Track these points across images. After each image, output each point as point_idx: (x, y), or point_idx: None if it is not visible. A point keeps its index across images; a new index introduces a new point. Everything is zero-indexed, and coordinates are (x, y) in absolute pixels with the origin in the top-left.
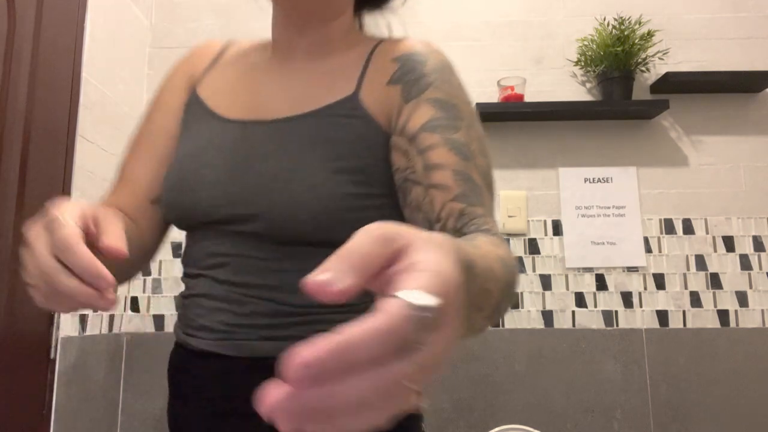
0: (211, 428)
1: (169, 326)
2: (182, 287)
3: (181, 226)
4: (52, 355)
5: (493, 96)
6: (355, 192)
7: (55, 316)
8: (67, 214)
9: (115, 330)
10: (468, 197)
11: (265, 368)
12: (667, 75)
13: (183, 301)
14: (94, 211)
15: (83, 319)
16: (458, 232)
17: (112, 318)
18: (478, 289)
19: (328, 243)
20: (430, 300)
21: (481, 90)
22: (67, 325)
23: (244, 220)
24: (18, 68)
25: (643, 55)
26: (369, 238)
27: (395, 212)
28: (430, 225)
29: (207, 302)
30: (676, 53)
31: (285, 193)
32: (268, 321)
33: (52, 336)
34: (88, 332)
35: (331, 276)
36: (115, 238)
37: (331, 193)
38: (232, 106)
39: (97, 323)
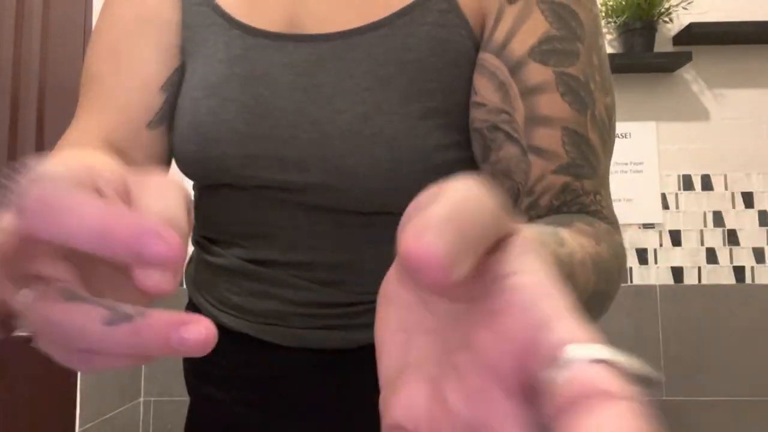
0: (252, 423)
1: None
2: None
3: (203, 182)
4: None
5: None
6: (445, 143)
7: None
8: (61, 167)
9: None
10: (577, 167)
11: (328, 363)
12: (691, 26)
13: (204, 266)
14: (118, 171)
15: None
16: (554, 211)
17: None
18: None
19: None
20: (626, 359)
21: None
22: None
23: (300, 189)
24: (30, 24)
25: (667, 5)
26: (488, 206)
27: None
28: (514, 196)
29: (245, 282)
30: (700, 3)
31: (357, 155)
32: (329, 311)
33: None
34: None
35: (447, 251)
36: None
37: (420, 148)
38: (261, 11)
39: None
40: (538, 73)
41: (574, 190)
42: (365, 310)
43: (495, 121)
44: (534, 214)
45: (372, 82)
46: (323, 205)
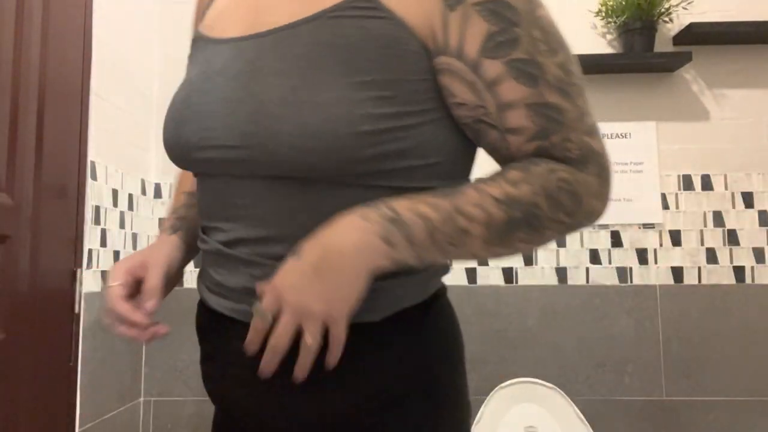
0: (241, 399)
1: (188, 282)
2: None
3: (187, 168)
4: (76, 310)
5: None
6: (379, 113)
7: (78, 272)
8: (115, 273)
9: None
10: (543, 131)
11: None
12: (691, 26)
13: (202, 254)
14: (143, 259)
15: (105, 276)
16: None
17: None
18: (425, 234)
19: (349, 179)
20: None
21: None
22: (90, 281)
23: (243, 159)
24: (30, 25)
25: (667, 5)
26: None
27: (434, 128)
28: (505, 163)
29: (224, 261)
30: (700, 3)
31: (288, 119)
32: None
33: (76, 291)
34: None
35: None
36: (146, 296)
37: (348, 115)
38: (229, 26)
39: None
40: (491, 68)
41: (544, 148)
42: None
43: (476, 116)
44: None
45: (304, 62)
46: (265, 174)
